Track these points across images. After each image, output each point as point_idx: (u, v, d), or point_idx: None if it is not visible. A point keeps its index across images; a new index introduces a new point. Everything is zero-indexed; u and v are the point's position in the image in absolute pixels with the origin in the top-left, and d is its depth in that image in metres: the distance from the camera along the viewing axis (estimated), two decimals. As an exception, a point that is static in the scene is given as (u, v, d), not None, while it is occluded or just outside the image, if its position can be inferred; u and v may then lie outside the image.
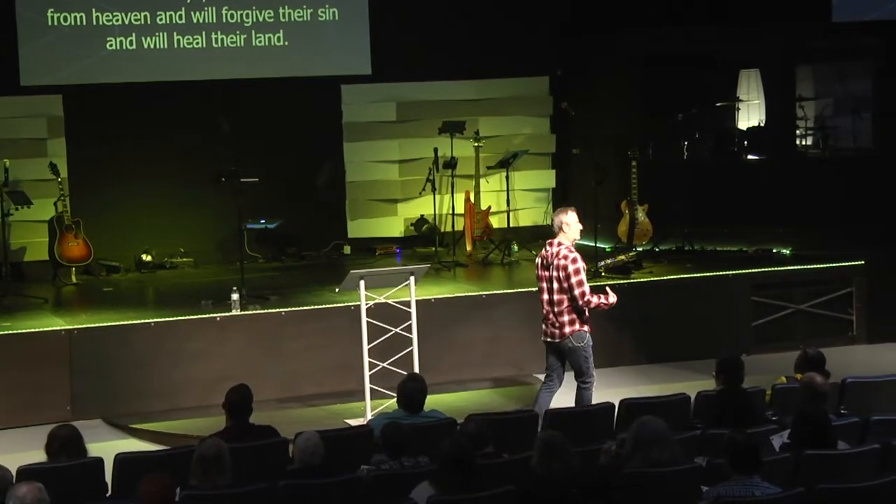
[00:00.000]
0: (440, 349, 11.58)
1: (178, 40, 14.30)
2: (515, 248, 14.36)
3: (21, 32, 13.80)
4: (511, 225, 14.79)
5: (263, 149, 14.23)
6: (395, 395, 8.72)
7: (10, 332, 11.01)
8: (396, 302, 10.51)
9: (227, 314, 11.43)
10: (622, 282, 12.47)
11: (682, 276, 12.93)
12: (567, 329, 9.82)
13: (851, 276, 13.29)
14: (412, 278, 10.42)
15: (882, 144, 14.67)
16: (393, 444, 7.42)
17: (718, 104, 15.30)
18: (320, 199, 15.02)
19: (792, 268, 13.35)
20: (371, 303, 10.38)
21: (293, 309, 11.63)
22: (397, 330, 10.43)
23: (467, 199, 14.60)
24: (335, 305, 11.62)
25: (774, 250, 14.04)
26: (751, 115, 15.60)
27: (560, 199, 15.63)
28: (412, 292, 10.44)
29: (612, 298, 9.88)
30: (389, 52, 14.85)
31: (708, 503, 6.61)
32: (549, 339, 9.96)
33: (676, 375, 11.81)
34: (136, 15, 14.15)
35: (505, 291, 12.40)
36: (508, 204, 14.64)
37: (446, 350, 11.74)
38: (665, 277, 12.88)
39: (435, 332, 11.46)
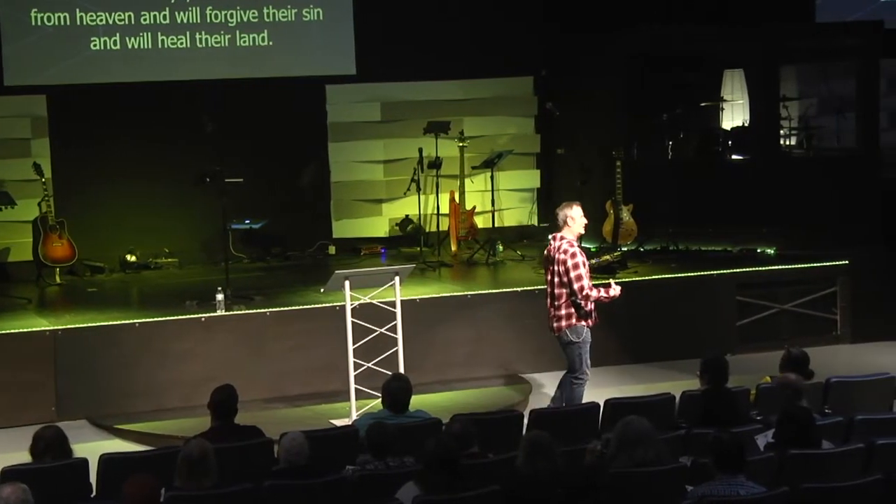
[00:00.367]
0: (425, 349, 11.58)
1: (163, 40, 14.28)
2: (500, 248, 14.36)
3: (4, 32, 13.76)
4: (496, 225, 14.80)
5: (248, 149, 14.21)
6: (380, 395, 8.72)
7: (-6, 332, 10.99)
8: (381, 302, 10.51)
9: (212, 314, 11.42)
10: (607, 282, 12.45)
11: (666, 275, 12.96)
12: (563, 323, 9.90)
13: (835, 276, 13.34)
14: (397, 278, 10.42)
15: (865, 144, 14.70)
16: (378, 445, 7.42)
17: (703, 104, 15.32)
18: (305, 200, 15.01)
19: (776, 267, 13.39)
20: (356, 303, 10.38)
21: (278, 309, 11.62)
22: (382, 330, 10.43)
23: (452, 200, 14.61)
24: (320, 306, 11.61)
25: (759, 250, 14.07)
26: (735, 115, 15.63)
27: (545, 198, 15.67)
28: (397, 292, 10.44)
29: (614, 291, 9.89)
30: (374, 53, 14.85)
31: (693, 503, 6.63)
32: (552, 333, 10.06)
33: (661, 375, 11.83)
34: (120, 15, 14.12)
35: (490, 291, 12.41)
36: (493, 204, 14.65)
37: (431, 350, 11.74)
38: (650, 277, 12.90)
39: (420, 333, 11.46)
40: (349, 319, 10.25)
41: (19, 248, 13.69)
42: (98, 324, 11.23)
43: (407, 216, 15.01)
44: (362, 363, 10.28)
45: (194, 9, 14.36)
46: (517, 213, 15.71)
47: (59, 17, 13.94)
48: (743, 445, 6.80)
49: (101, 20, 14.07)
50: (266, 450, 8.00)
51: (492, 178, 14.67)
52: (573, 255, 9.78)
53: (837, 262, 13.34)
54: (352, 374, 10.23)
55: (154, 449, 8.65)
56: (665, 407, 8.77)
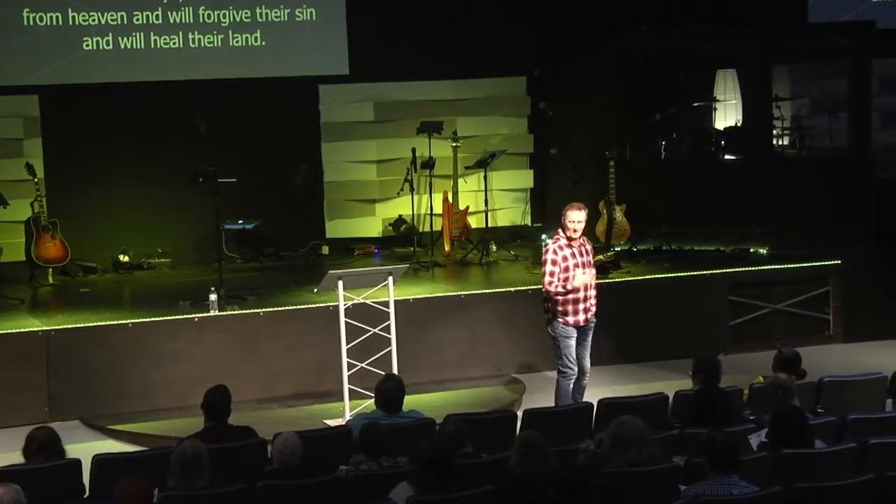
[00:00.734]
0: (419, 349, 11.58)
1: (155, 40, 14.26)
2: (494, 247, 14.37)
3: (-3, 32, 13.76)
4: (489, 225, 14.80)
5: (241, 149, 14.21)
6: (373, 395, 8.71)
7: (-13, 333, 10.97)
8: (375, 302, 10.51)
9: (205, 315, 11.41)
10: (600, 282, 12.46)
11: (659, 275, 12.96)
12: (547, 317, 10.10)
13: (828, 276, 13.35)
14: (390, 278, 10.42)
15: (858, 144, 14.72)
16: (371, 445, 7.42)
17: (696, 104, 15.35)
18: (298, 200, 15.01)
19: (769, 267, 13.40)
20: (349, 303, 10.38)
21: (271, 309, 11.62)
22: (376, 330, 10.43)
23: (445, 200, 14.61)
24: (313, 306, 11.60)
25: (751, 250, 14.08)
26: (728, 115, 15.65)
27: (538, 199, 15.68)
28: (390, 292, 10.44)
29: (579, 281, 9.97)
30: (367, 53, 14.85)
31: (686, 502, 6.63)
32: None
33: (654, 375, 11.84)
34: (112, 15, 14.10)
35: (483, 291, 12.40)
36: (486, 204, 14.65)
37: (425, 350, 11.74)
38: (643, 277, 12.91)
39: (413, 333, 11.46)
40: (342, 319, 10.25)
41: (12, 248, 13.65)
42: (91, 324, 11.21)
43: (400, 216, 15.01)
44: (356, 363, 10.28)
45: (187, 9, 14.35)
46: (510, 213, 15.72)
47: (51, 17, 13.92)
48: (736, 445, 6.80)
49: (94, 20, 14.05)
50: (259, 450, 7.99)
51: (485, 178, 14.67)
52: (546, 252, 10.04)
53: (830, 262, 13.35)
54: (345, 374, 10.23)
55: (147, 449, 8.63)
56: (658, 407, 8.78)
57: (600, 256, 13.16)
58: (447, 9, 15.17)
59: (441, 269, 13.72)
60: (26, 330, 11.07)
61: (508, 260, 14.10)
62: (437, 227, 14.64)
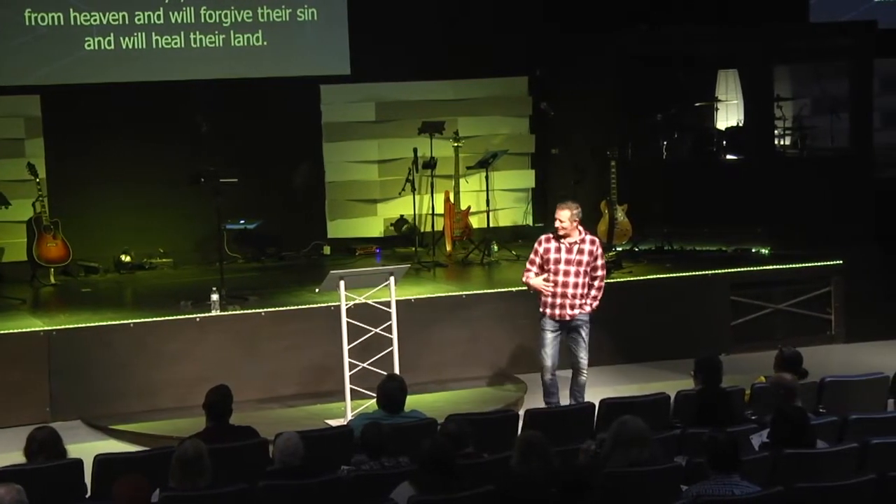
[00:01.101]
0: (420, 349, 11.58)
1: (157, 40, 14.27)
2: (495, 248, 14.37)
3: (-1, 32, 13.77)
4: (491, 225, 14.80)
5: (243, 149, 14.21)
6: (375, 395, 8.71)
7: (-12, 333, 10.97)
8: (376, 302, 10.51)
9: (206, 315, 11.41)
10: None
11: (661, 275, 12.97)
12: None
13: (830, 276, 13.35)
14: (392, 278, 10.42)
15: (859, 144, 14.71)
16: (373, 445, 7.42)
17: (697, 104, 15.34)
18: (300, 200, 15.01)
19: (770, 267, 13.40)
20: (351, 303, 10.38)
21: (273, 309, 11.62)
22: (377, 330, 10.43)
23: (447, 200, 14.60)
24: (315, 306, 11.60)
25: (753, 250, 14.08)
26: (729, 116, 15.64)
27: (539, 199, 15.68)
28: (392, 292, 10.44)
29: (534, 282, 10.26)
30: (368, 53, 14.84)
31: (687, 502, 6.63)
32: None
33: (656, 375, 11.84)
34: (114, 15, 14.11)
35: (485, 291, 12.41)
36: (488, 204, 14.64)
37: (426, 350, 11.74)
38: (644, 277, 12.91)
39: (415, 333, 11.46)
40: (344, 319, 10.25)
41: (13, 248, 13.67)
42: (92, 324, 11.21)
43: (402, 216, 15.01)
44: (357, 363, 10.29)
45: (188, 9, 14.35)
46: (512, 213, 15.72)
47: (53, 17, 13.92)
48: (737, 445, 6.80)
49: (96, 20, 14.05)
50: (261, 450, 7.99)
51: (486, 178, 14.67)
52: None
53: (831, 262, 13.35)
54: (347, 374, 10.23)
55: (149, 449, 8.63)
56: (660, 407, 8.79)
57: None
58: (448, 9, 15.17)
59: (442, 269, 13.72)
60: (28, 330, 11.08)
61: (510, 260, 14.09)
62: (439, 227, 14.63)
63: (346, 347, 10.24)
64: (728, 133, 15.30)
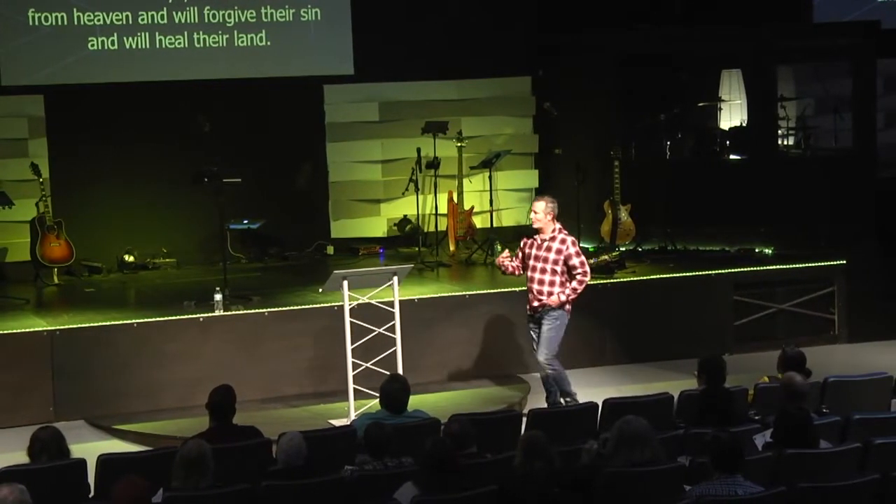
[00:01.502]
0: (423, 349, 11.59)
1: (161, 40, 14.27)
2: (499, 247, 14.31)
3: (1, 32, 13.75)
4: (494, 225, 14.80)
5: (246, 149, 14.21)
6: (378, 395, 8.72)
7: (-8, 333, 10.98)
8: (380, 302, 10.51)
9: (209, 315, 11.42)
10: (605, 282, 12.50)
11: (664, 275, 12.97)
12: None
13: (833, 276, 13.34)
14: (395, 278, 10.43)
15: (862, 144, 14.71)
16: (376, 445, 7.42)
17: (700, 104, 15.33)
18: (303, 200, 15.01)
19: (773, 267, 13.39)
20: (354, 303, 10.38)
21: (276, 309, 11.62)
22: (380, 330, 10.43)
23: (450, 200, 14.60)
24: (318, 306, 11.60)
25: (756, 250, 14.08)
26: (732, 115, 15.63)
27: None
28: (395, 292, 10.44)
29: (499, 258, 10.67)
30: (372, 53, 14.84)
31: (690, 502, 6.63)
32: None
33: (659, 375, 11.84)
34: (117, 15, 14.11)
35: (488, 291, 12.40)
36: (491, 204, 14.65)
37: (429, 350, 11.74)
38: (647, 277, 12.91)
39: (418, 333, 11.47)
40: (347, 319, 10.26)
41: (17, 248, 13.67)
42: (96, 324, 11.22)
43: (405, 216, 15.01)
44: (361, 363, 10.29)
45: (192, 9, 14.35)
46: (515, 212, 15.70)
47: (56, 17, 13.93)
48: (741, 445, 6.80)
49: (99, 20, 14.06)
50: (264, 450, 8.00)
51: (490, 178, 14.67)
52: None
53: (834, 262, 13.35)
54: (350, 374, 10.24)
55: (152, 449, 8.65)
56: (663, 407, 8.78)
57: (605, 256, 13.19)
58: (451, 9, 15.16)
59: (446, 269, 13.73)
60: (31, 330, 11.09)
61: (513, 260, 14.08)
62: (442, 227, 14.64)
63: (349, 347, 10.24)
64: (731, 133, 15.30)
